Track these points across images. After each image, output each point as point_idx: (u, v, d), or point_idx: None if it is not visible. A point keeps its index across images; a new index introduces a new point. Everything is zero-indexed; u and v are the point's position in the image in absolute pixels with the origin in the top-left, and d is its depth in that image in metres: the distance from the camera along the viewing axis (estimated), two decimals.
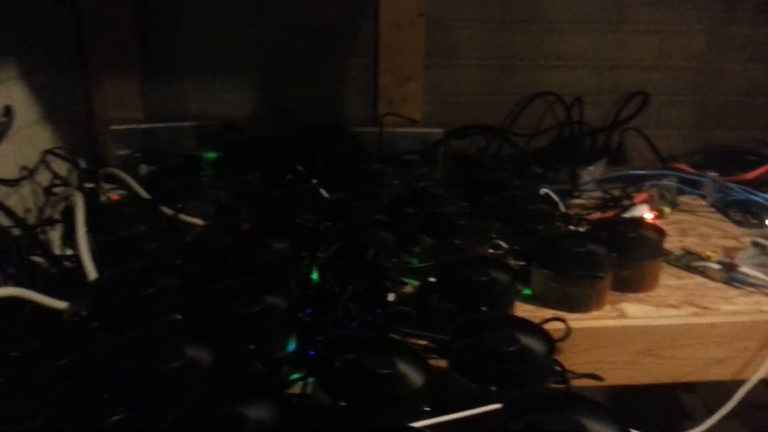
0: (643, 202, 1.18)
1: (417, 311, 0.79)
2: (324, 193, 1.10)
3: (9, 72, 0.97)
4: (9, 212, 0.84)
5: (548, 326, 0.71)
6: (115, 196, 1.09)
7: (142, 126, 1.31)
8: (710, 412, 0.71)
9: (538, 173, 1.31)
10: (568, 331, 0.72)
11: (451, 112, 1.46)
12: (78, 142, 1.22)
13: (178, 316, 0.68)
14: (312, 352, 0.69)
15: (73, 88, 1.27)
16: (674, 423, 1.04)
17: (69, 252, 0.89)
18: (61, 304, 0.70)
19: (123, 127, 1.29)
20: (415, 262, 0.92)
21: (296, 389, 0.64)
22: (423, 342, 0.72)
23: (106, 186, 1.09)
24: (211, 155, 1.29)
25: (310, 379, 0.62)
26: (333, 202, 1.06)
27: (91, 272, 0.76)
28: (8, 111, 0.90)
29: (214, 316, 0.67)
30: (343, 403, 0.54)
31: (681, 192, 1.24)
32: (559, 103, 1.47)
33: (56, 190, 1.04)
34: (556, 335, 0.69)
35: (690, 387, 1.28)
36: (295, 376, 0.65)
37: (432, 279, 0.84)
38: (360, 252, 0.82)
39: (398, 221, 0.99)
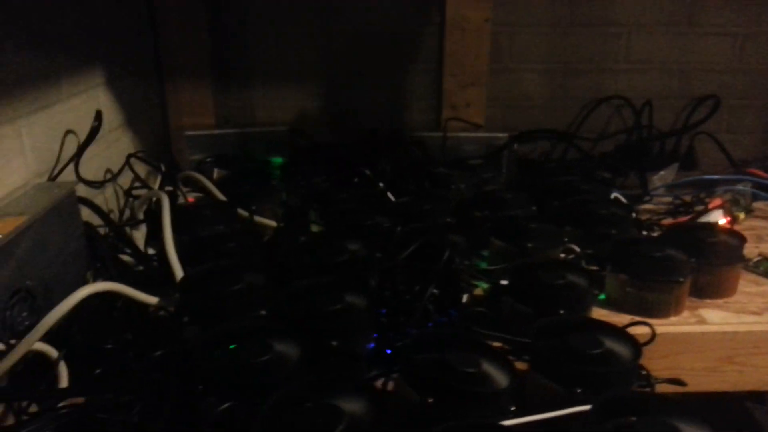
0: (717, 207, 1.15)
1: (490, 313, 0.79)
2: (391, 196, 1.12)
3: (96, 79, 1.02)
4: (99, 212, 0.88)
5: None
6: (191, 198, 1.13)
7: (214, 132, 1.36)
8: None
9: (606, 178, 1.29)
10: (653, 336, 0.70)
11: (515, 116, 1.46)
12: (155, 147, 1.27)
13: (263, 312, 0.70)
14: (389, 350, 0.70)
15: (150, 96, 1.33)
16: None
17: (151, 251, 0.93)
18: (152, 299, 0.73)
19: (196, 132, 1.34)
20: (484, 265, 0.92)
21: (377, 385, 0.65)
22: (497, 343, 0.72)
23: (183, 188, 1.13)
24: (278, 160, 1.33)
25: (393, 375, 0.63)
26: (402, 205, 1.07)
27: (178, 270, 0.78)
28: (98, 116, 0.95)
29: (298, 313, 0.68)
30: (430, 400, 0.55)
31: (756, 197, 1.21)
32: (626, 107, 1.45)
33: (138, 192, 1.08)
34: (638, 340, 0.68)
35: (760, 398, 1.23)
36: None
37: (504, 282, 0.84)
38: (433, 254, 0.83)
39: (466, 224, 0.99)
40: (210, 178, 1.19)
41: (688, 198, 1.20)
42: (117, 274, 0.80)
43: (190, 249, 0.86)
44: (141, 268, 0.87)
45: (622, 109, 1.45)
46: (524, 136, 1.41)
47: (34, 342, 0.61)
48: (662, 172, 1.26)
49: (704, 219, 1.11)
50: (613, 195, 1.14)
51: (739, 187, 1.19)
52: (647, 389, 0.64)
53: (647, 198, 1.22)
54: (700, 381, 0.85)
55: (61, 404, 0.62)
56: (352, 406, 0.52)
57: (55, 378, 0.64)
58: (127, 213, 1.07)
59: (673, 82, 1.45)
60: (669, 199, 1.22)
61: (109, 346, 0.67)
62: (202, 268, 0.75)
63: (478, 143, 1.38)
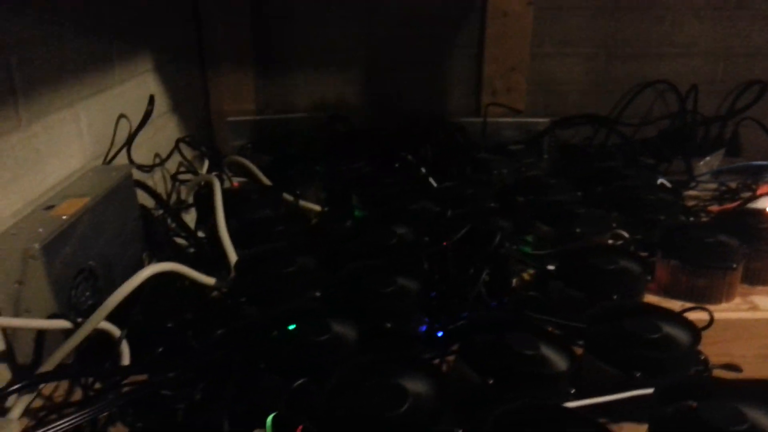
0: (766, 194, 1.13)
1: (541, 297, 0.79)
2: (433, 181, 1.12)
3: (146, 65, 1.04)
4: (154, 195, 0.89)
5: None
6: (235, 182, 1.15)
7: (255, 117, 1.37)
8: None
9: (649, 164, 1.27)
10: (711, 321, 0.70)
11: (555, 101, 1.44)
12: (198, 133, 1.29)
13: (317, 293, 0.71)
14: (440, 333, 0.71)
15: (193, 82, 1.34)
16: None
17: (200, 234, 0.94)
18: (210, 280, 0.75)
19: (238, 118, 1.35)
20: (528, 249, 0.92)
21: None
22: (550, 328, 0.73)
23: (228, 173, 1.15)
24: (320, 144, 1.33)
25: (448, 357, 0.63)
26: (445, 190, 1.07)
27: (231, 252, 0.80)
28: (152, 100, 0.97)
29: (352, 295, 0.69)
30: (491, 381, 0.55)
31: None
32: (670, 92, 1.42)
33: (184, 176, 1.10)
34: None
35: None
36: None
37: (551, 267, 0.84)
38: (480, 239, 0.83)
39: (509, 209, 0.99)
40: (253, 163, 1.21)
41: (734, 184, 1.18)
42: (173, 256, 0.82)
43: (239, 232, 0.88)
44: (193, 250, 0.88)
45: (665, 94, 1.43)
46: (565, 122, 1.39)
47: (100, 321, 0.63)
48: (708, 158, 1.24)
49: (752, 205, 1.10)
50: (659, 181, 1.12)
51: None
52: (705, 374, 0.64)
53: (693, 184, 1.20)
54: (752, 368, 0.84)
55: (123, 382, 0.64)
56: (414, 385, 0.53)
57: (118, 356, 0.66)
58: (174, 197, 1.09)
59: (719, 66, 1.42)
60: (714, 185, 1.20)
61: (170, 325, 0.69)
62: (256, 251, 0.77)
63: (519, 128, 1.37)
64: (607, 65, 1.42)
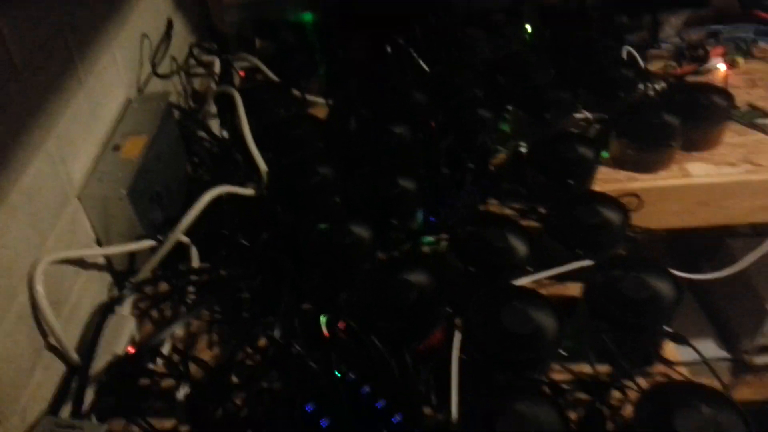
0: (719, 55, 1.26)
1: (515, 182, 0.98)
2: (424, 65, 1.23)
3: None
4: (186, 112, 1.04)
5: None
6: (242, 72, 1.27)
7: None
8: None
9: (623, 24, 1.37)
10: (640, 204, 0.90)
11: None
12: (193, 12, 1.35)
13: (338, 200, 0.90)
14: (432, 218, 0.92)
15: None
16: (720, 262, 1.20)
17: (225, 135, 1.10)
18: (250, 192, 0.93)
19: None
20: (506, 127, 1.08)
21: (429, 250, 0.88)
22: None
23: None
24: (308, 16, 1.42)
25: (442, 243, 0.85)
26: (434, 78, 1.20)
27: (261, 163, 0.97)
28: (170, 24, 1.06)
29: (365, 200, 0.89)
30: (471, 269, 0.77)
31: (756, 42, 1.31)
32: None
33: (196, 73, 1.23)
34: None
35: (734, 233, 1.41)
36: (428, 239, 0.88)
37: (522, 149, 1.02)
38: (464, 132, 1.01)
39: (491, 92, 1.14)
40: (253, 48, 1.32)
41: (695, 36, 1.31)
42: (212, 167, 1.00)
43: (259, 136, 1.03)
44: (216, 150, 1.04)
45: None
46: None
47: (179, 236, 0.83)
48: (673, 19, 1.35)
49: (706, 67, 1.25)
50: (626, 50, 1.25)
51: (742, 34, 1.30)
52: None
53: (656, 46, 1.33)
54: (678, 219, 1.06)
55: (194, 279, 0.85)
56: (417, 277, 0.74)
57: (189, 260, 0.87)
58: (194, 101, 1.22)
59: None
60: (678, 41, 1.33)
61: (225, 232, 0.89)
62: (284, 164, 0.94)
63: None
64: None
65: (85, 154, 0.81)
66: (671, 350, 0.74)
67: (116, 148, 0.85)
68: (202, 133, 1.06)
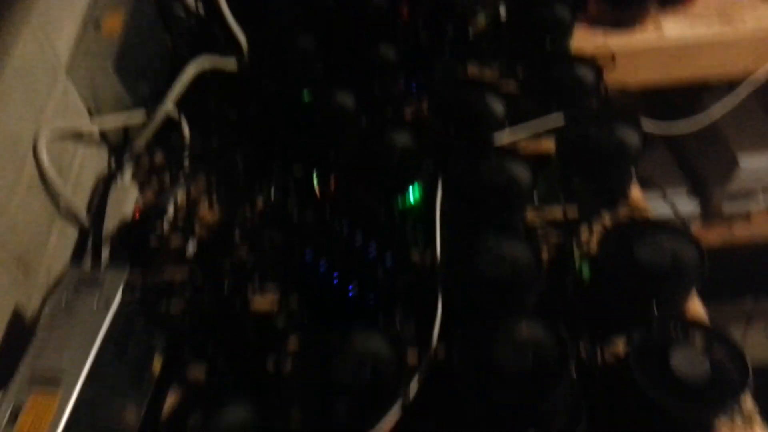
0: None
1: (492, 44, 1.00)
2: None
3: None
4: None
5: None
6: None
7: None
8: None
9: None
10: (614, 61, 0.93)
11: None
12: None
13: (320, 68, 0.92)
14: (413, 84, 0.95)
15: None
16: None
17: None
18: (233, 65, 0.95)
19: None
20: None
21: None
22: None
23: None
24: None
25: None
26: None
27: (240, 34, 0.97)
28: None
29: (345, 66, 0.91)
30: (452, 131, 0.81)
31: None
32: None
33: None
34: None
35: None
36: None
37: (501, 10, 1.03)
38: None
39: None
40: None
41: None
42: (192, 43, 1.00)
43: (235, 8, 1.02)
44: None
45: None
46: None
47: (170, 107, 0.86)
48: None
49: None
50: None
51: None
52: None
53: None
54: (652, 75, 1.10)
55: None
56: (401, 138, 0.79)
57: (181, 134, 0.90)
58: None
59: None
60: None
61: (212, 106, 0.91)
62: (264, 34, 0.95)
63: None
64: None
65: (67, 31, 0.82)
66: (639, 197, 0.81)
67: (97, 25, 0.85)
68: (179, 9, 1.05)
